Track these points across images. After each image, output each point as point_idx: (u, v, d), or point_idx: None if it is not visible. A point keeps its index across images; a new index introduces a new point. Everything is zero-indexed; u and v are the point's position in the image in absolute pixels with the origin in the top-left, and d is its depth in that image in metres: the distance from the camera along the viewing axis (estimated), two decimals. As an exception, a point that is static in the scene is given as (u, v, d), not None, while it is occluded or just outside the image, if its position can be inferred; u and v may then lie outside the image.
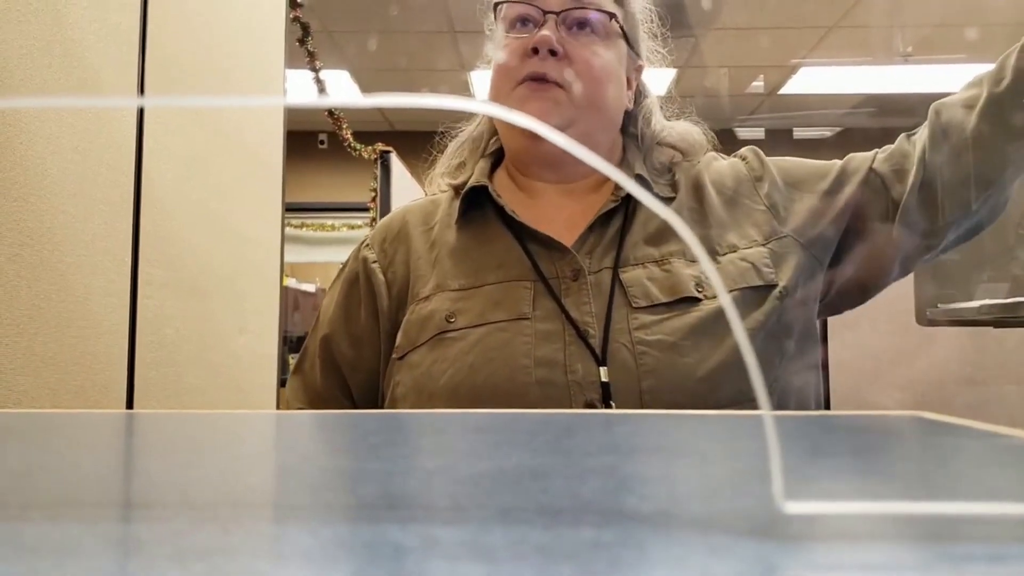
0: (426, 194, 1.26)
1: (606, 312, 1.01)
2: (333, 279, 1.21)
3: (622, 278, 1.03)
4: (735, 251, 1.08)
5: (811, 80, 7.29)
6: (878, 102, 7.56)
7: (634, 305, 1.01)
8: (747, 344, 0.30)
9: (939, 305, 2.44)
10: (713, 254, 1.07)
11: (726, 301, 0.31)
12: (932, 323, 2.46)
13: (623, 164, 1.15)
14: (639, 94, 1.19)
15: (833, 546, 0.30)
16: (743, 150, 1.19)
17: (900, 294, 2.81)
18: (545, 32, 1.07)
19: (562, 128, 1.06)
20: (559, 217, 1.11)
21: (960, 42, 6.23)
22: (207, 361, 1.68)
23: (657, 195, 1.10)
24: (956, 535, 0.31)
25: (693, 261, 1.04)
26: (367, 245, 1.18)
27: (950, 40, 6.27)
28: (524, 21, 1.11)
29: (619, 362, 0.98)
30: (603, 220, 1.08)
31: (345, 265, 1.20)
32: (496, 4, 1.15)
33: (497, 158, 1.20)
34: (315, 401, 1.16)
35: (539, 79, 1.07)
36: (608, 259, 1.06)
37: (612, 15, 1.11)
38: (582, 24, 1.10)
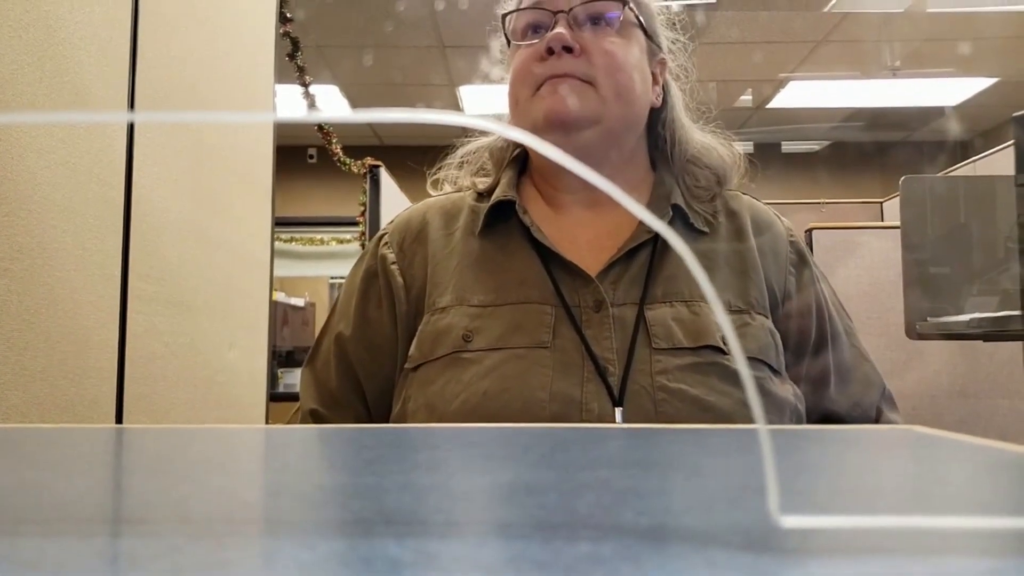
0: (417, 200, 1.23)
1: (628, 350, 0.98)
2: (349, 272, 1.17)
3: (647, 316, 1.00)
4: (767, 317, 1.05)
5: (799, 94, 7.34)
6: (866, 115, 7.60)
7: (655, 346, 0.98)
8: (746, 369, 0.30)
9: (929, 319, 2.45)
10: (749, 308, 1.04)
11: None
12: (922, 337, 2.47)
13: (656, 184, 1.12)
14: (665, 92, 1.15)
15: (829, 560, 0.30)
16: (792, 228, 1.16)
17: (890, 308, 2.83)
18: (557, 30, 1.04)
19: (587, 121, 1.03)
20: (586, 236, 1.08)
21: (947, 56, 6.29)
22: (196, 376, 1.67)
23: (693, 225, 1.08)
24: (951, 549, 0.31)
25: (725, 309, 0.99)
26: (386, 243, 1.13)
27: (937, 55, 6.32)
28: (535, 28, 1.08)
29: (637, 405, 0.95)
30: (632, 248, 1.04)
31: (362, 259, 1.15)
32: (504, 16, 1.13)
33: (522, 165, 1.16)
34: (328, 403, 1.12)
35: (559, 78, 1.03)
36: (634, 292, 1.02)
37: (625, 2, 1.08)
38: (595, 19, 1.07)
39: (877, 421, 1.11)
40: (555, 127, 1.03)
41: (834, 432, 0.78)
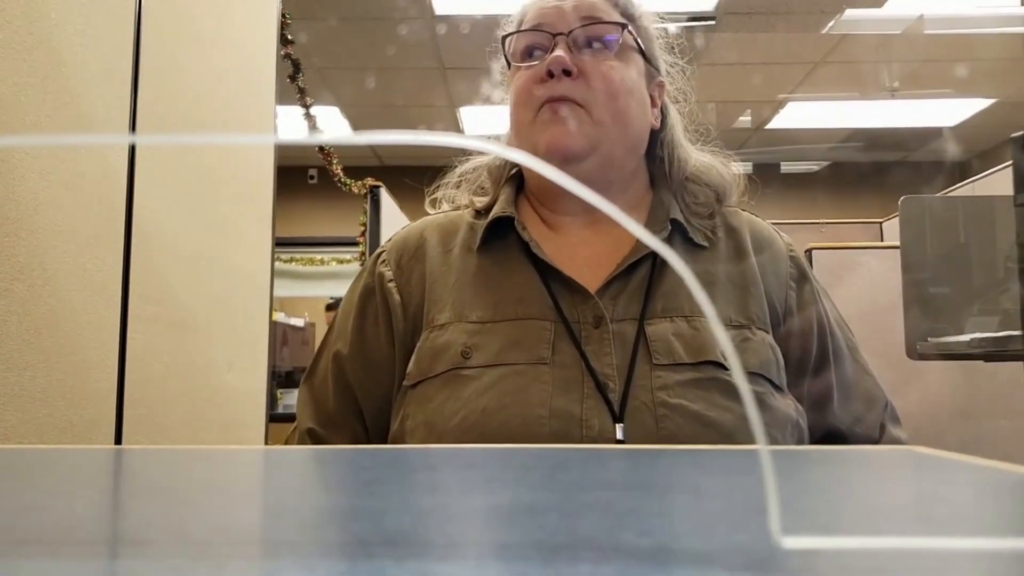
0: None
1: (628, 366, 0.97)
2: (348, 289, 1.16)
3: (647, 331, 0.99)
4: (768, 332, 1.05)
5: (798, 115, 7.35)
6: (865, 136, 7.61)
7: (655, 362, 0.97)
8: (746, 385, 0.30)
9: (929, 339, 2.44)
10: (750, 323, 1.04)
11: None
12: (923, 357, 2.47)
13: (655, 202, 1.12)
14: (663, 114, 1.15)
15: (832, 581, 0.30)
16: (792, 244, 1.15)
17: (891, 328, 2.82)
18: (557, 53, 1.04)
19: (586, 151, 1.04)
20: (584, 253, 1.07)
21: (944, 78, 6.31)
22: (196, 396, 1.67)
23: (692, 240, 1.08)
24: (953, 570, 0.31)
25: (726, 324, 1.00)
26: (383, 260, 1.13)
27: (935, 76, 6.34)
28: (535, 50, 1.09)
29: (638, 422, 0.94)
30: (631, 264, 1.04)
31: (360, 277, 1.15)
32: (504, 38, 1.13)
33: (519, 182, 1.16)
34: (326, 421, 1.11)
35: (558, 101, 1.04)
36: (634, 307, 1.02)
37: (624, 26, 1.08)
38: (594, 42, 1.07)
39: (881, 437, 1.10)
40: (554, 161, 1.03)
41: (836, 452, 0.78)
